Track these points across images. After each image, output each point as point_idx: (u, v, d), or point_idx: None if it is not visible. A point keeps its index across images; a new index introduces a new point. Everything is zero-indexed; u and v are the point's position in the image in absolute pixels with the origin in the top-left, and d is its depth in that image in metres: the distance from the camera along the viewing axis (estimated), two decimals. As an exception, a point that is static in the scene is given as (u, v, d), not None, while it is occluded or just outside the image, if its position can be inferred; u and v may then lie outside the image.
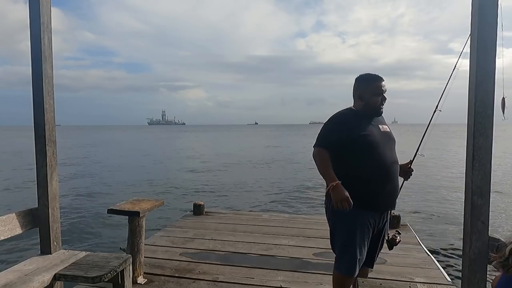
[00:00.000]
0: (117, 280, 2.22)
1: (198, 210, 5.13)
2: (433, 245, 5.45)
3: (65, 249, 2.45)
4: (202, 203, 5.23)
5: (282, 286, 2.81)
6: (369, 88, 2.07)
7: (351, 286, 2.14)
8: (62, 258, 2.28)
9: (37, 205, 2.37)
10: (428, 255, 3.54)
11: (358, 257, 2.01)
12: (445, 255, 5.12)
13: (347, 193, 1.89)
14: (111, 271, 2.08)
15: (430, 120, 2.43)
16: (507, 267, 1.23)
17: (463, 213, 1.76)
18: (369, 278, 2.87)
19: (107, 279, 2.05)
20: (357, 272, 2.04)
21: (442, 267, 3.25)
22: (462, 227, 1.74)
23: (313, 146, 2.09)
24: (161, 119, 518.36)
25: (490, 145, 1.63)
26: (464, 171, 1.72)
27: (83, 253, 2.35)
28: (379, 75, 2.10)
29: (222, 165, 18.40)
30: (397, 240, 2.26)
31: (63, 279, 2.06)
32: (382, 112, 2.12)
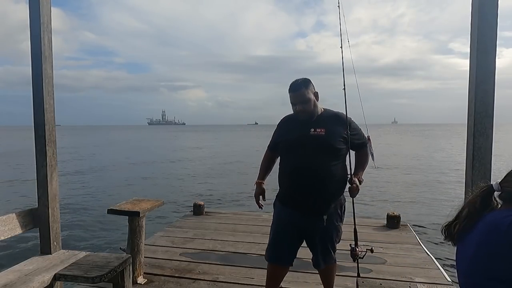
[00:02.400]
0: (117, 280, 2.22)
1: (198, 210, 5.13)
2: (433, 245, 5.44)
3: (65, 249, 2.45)
4: (202, 203, 5.23)
5: (282, 286, 2.80)
6: (289, 96, 2.11)
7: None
8: (62, 258, 2.28)
9: (37, 205, 2.38)
10: (428, 255, 3.54)
11: (276, 248, 2.17)
12: (445, 255, 5.11)
13: (258, 192, 2.27)
14: (111, 271, 2.08)
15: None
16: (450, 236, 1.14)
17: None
18: (369, 278, 2.87)
19: (107, 279, 2.05)
20: (281, 263, 2.20)
21: (442, 267, 3.25)
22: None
23: None
24: (161, 119, 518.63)
25: (490, 145, 1.63)
26: (465, 171, 1.72)
27: (83, 253, 2.35)
28: (302, 81, 2.05)
29: (222, 165, 18.40)
30: (356, 253, 2.18)
31: (63, 279, 2.06)
32: (307, 117, 2.06)
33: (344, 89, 2.23)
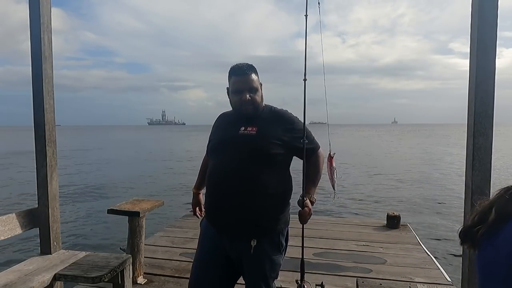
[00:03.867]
0: (117, 280, 2.22)
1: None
2: (433, 245, 5.45)
3: (65, 249, 2.45)
4: (202, 203, 5.22)
5: (282, 286, 2.80)
6: (229, 84, 1.68)
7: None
8: (62, 258, 2.28)
9: (37, 205, 2.37)
10: (428, 255, 3.54)
11: (197, 271, 1.69)
12: (445, 255, 5.12)
13: (194, 203, 2.03)
14: (111, 271, 2.08)
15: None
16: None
17: (463, 213, 1.76)
18: (369, 278, 2.87)
19: (107, 279, 2.05)
20: None
21: (442, 267, 3.25)
22: (462, 227, 1.74)
23: None
24: (161, 119, 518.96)
25: (490, 145, 1.63)
26: (465, 171, 1.72)
27: (83, 253, 2.35)
28: (248, 65, 1.65)
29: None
30: None
31: (63, 279, 2.06)
32: (252, 111, 1.65)
33: (305, 80, 1.70)
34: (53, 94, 2.36)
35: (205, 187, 1.79)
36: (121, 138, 56.39)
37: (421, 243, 3.87)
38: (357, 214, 8.03)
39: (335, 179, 1.86)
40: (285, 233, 1.75)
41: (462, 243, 1.06)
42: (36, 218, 2.35)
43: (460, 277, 1.85)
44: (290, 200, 1.74)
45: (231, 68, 1.66)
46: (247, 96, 1.62)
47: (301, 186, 1.65)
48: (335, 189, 1.87)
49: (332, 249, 3.64)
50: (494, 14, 1.59)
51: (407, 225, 4.55)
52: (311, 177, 1.72)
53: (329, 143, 1.82)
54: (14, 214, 2.22)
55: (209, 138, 1.82)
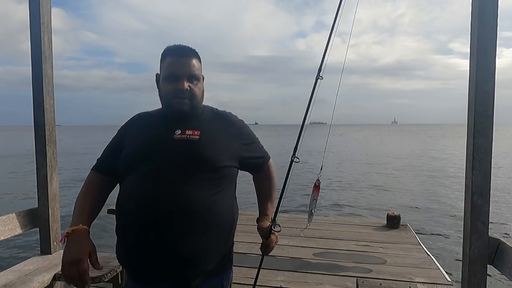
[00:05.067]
0: (117, 280, 2.22)
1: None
2: (433, 245, 5.45)
3: (65, 249, 2.45)
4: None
5: (282, 286, 2.81)
6: (161, 68, 1.25)
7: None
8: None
9: (37, 205, 2.38)
10: (428, 255, 3.54)
11: None
12: (445, 255, 5.12)
13: (81, 251, 1.09)
14: (111, 271, 2.08)
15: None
16: None
17: (463, 213, 1.76)
18: (369, 278, 2.88)
19: (107, 279, 2.05)
20: None
21: (442, 267, 3.25)
22: (462, 227, 1.74)
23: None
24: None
25: (490, 145, 1.63)
26: (464, 171, 1.72)
27: (83, 253, 2.35)
28: (190, 48, 1.24)
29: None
30: None
31: (63, 279, 2.06)
32: (189, 108, 1.21)
33: (321, 78, 1.47)
34: (53, 94, 2.36)
35: (117, 226, 1.24)
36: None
37: (421, 243, 3.88)
38: (357, 214, 8.04)
39: (314, 210, 1.51)
40: (230, 277, 1.30)
41: None
42: (36, 218, 2.35)
43: (460, 277, 1.85)
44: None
45: (166, 48, 1.24)
46: (186, 84, 1.18)
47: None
48: (310, 218, 1.51)
49: (332, 249, 3.64)
50: (494, 14, 1.59)
51: (407, 225, 4.55)
52: (268, 193, 1.42)
53: (321, 166, 1.52)
54: (14, 214, 2.22)
55: (114, 146, 1.28)
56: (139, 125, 1.29)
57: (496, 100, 1.62)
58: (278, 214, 1.44)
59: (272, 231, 1.33)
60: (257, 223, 1.41)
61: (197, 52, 1.26)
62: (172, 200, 1.09)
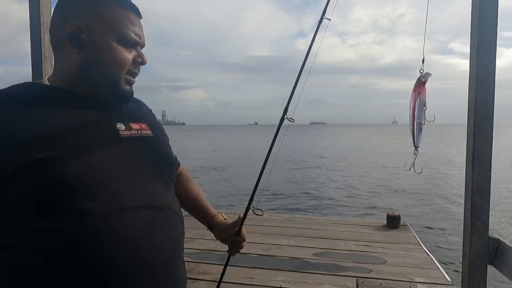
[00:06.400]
0: None
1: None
2: (433, 245, 5.45)
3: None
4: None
5: (282, 286, 2.81)
6: (99, 19, 0.79)
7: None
8: (62, 258, 2.28)
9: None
10: (428, 255, 3.54)
11: None
12: (445, 255, 5.12)
13: None
14: None
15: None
16: None
17: (463, 213, 1.76)
18: (369, 278, 2.88)
19: None
20: None
21: (442, 267, 3.25)
22: (462, 227, 1.75)
23: None
24: (161, 119, 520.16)
25: (490, 145, 1.63)
26: (464, 171, 1.72)
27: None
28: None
29: (221, 164, 18.41)
30: None
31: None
32: (130, 95, 0.87)
33: (328, 19, 1.21)
34: (53, 94, 2.36)
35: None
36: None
37: (421, 243, 3.88)
38: (357, 214, 8.04)
39: (424, 121, 1.08)
40: None
41: None
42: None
43: (460, 277, 1.85)
44: None
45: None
46: (143, 57, 0.85)
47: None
48: (419, 137, 1.14)
49: (332, 249, 3.64)
50: (494, 14, 1.59)
51: (407, 225, 4.56)
52: (199, 190, 1.18)
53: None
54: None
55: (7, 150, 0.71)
56: (46, 116, 0.73)
57: (496, 100, 1.62)
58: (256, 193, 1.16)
59: (242, 233, 1.08)
60: (212, 229, 1.15)
61: None
62: (160, 215, 0.81)
